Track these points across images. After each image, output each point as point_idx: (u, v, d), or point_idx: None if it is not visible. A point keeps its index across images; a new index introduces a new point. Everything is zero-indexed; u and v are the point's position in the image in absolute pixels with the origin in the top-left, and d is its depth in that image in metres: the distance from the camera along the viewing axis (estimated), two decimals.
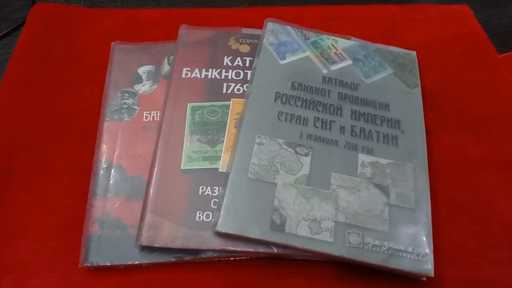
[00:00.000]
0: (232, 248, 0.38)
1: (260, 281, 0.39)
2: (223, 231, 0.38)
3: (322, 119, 0.45)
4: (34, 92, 0.49)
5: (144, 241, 0.38)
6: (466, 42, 0.56)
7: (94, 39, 0.54)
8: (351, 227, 0.39)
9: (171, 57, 0.50)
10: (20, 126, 0.47)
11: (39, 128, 0.47)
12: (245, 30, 0.52)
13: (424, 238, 0.39)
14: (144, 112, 0.46)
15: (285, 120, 0.44)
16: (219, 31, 0.52)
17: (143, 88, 0.48)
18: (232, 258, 0.39)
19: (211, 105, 0.46)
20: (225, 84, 0.47)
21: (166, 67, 0.50)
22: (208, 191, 0.41)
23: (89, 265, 0.38)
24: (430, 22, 0.58)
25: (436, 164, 0.45)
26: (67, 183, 0.43)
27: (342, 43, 0.51)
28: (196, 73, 0.48)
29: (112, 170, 0.43)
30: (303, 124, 0.44)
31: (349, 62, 0.50)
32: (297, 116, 0.45)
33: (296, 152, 0.42)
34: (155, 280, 0.39)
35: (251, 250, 0.38)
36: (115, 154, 0.44)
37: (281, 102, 0.46)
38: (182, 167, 0.42)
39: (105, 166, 0.43)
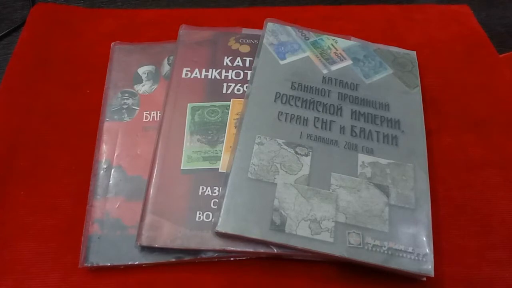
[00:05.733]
0: (232, 248, 0.38)
1: (260, 281, 0.39)
2: (223, 231, 0.38)
3: (322, 119, 0.45)
4: (34, 92, 0.49)
5: (144, 241, 0.38)
6: (466, 42, 0.56)
7: (94, 39, 0.54)
8: (351, 227, 0.39)
9: (171, 57, 0.50)
10: (20, 126, 0.47)
11: (39, 128, 0.47)
12: (245, 30, 0.52)
13: (424, 238, 0.39)
14: (144, 112, 0.46)
15: (285, 120, 0.44)
16: (219, 31, 0.52)
17: (143, 88, 0.48)
18: (232, 258, 0.39)
19: (211, 105, 0.46)
20: (225, 84, 0.47)
21: (166, 67, 0.50)
22: (208, 191, 0.41)
23: (89, 265, 0.38)
24: (430, 22, 0.58)
25: (436, 164, 0.45)
26: (67, 183, 0.43)
27: (342, 43, 0.51)
28: (196, 73, 0.48)
29: (112, 170, 0.43)
30: (303, 124, 0.44)
31: (349, 62, 0.50)
32: (297, 116, 0.45)
33: (296, 152, 0.42)
34: (155, 280, 0.39)
35: (251, 250, 0.38)
36: (115, 154, 0.44)
37: (281, 102, 0.46)
38: (182, 167, 0.42)
39: (105, 166, 0.43)
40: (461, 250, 0.41)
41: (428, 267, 0.38)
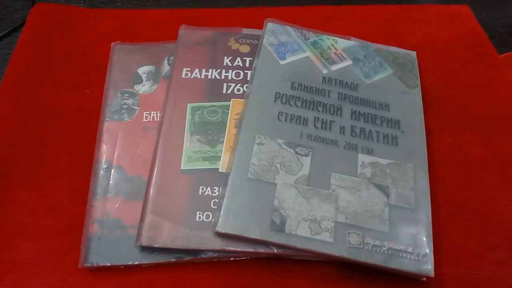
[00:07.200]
0: (232, 249, 0.38)
1: (260, 281, 0.39)
2: (223, 231, 0.38)
3: (322, 119, 0.45)
4: (34, 92, 0.49)
5: (144, 241, 0.38)
6: (466, 42, 0.56)
7: (94, 39, 0.54)
8: (351, 227, 0.39)
9: (171, 57, 0.50)
10: (20, 126, 0.47)
11: (39, 128, 0.47)
12: (245, 30, 0.52)
13: (424, 238, 0.39)
14: (144, 112, 0.46)
15: (285, 120, 0.44)
16: (219, 31, 0.52)
17: (143, 88, 0.48)
18: (232, 259, 0.39)
19: (211, 105, 0.46)
20: (225, 84, 0.47)
21: (166, 67, 0.50)
22: (208, 191, 0.41)
23: (89, 265, 0.38)
24: (430, 22, 0.58)
25: (436, 164, 0.45)
26: (67, 183, 0.43)
27: (342, 43, 0.51)
28: (196, 73, 0.48)
29: (112, 170, 0.43)
30: (303, 124, 0.44)
31: (349, 62, 0.50)
32: (297, 116, 0.45)
33: (296, 152, 0.42)
34: (155, 281, 0.39)
35: (251, 250, 0.38)
36: (115, 154, 0.44)
37: (281, 102, 0.46)
38: (182, 167, 0.42)
39: (105, 166, 0.43)
40: (461, 250, 0.41)
41: (428, 267, 0.38)
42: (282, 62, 0.49)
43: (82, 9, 0.58)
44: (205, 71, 0.48)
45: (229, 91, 0.47)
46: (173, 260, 0.39)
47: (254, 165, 0.41)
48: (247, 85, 0.47)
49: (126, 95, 0.48)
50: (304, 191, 0.40)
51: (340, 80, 0.48)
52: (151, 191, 0.41)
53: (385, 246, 0.38)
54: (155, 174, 0.42)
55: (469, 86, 0.52)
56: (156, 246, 0.38)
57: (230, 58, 0.49)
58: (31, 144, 0.46)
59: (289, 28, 0.52)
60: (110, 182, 0.42)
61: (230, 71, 0.48)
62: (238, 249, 0.38)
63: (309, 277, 0.39)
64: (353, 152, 0.43)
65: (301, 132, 0.44)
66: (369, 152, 0.43)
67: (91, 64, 0.52)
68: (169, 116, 0.45)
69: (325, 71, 0.49)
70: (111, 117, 0.46)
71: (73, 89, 0.50)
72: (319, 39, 0.51)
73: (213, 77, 0.48)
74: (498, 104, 0.50)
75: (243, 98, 0.46)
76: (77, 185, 0.43)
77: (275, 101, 0.45)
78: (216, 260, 0.39)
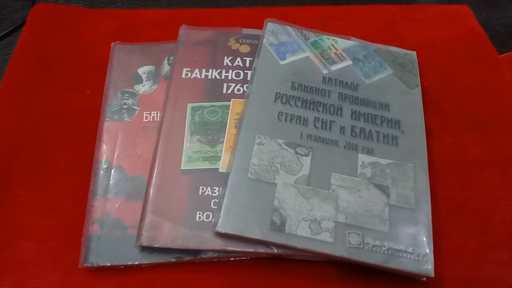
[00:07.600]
0: (232, 249, 0.38)
1: (260, 281, 0.39)
2: (223, 232, 0.38)
3: (322, 119, 0.45)
4: (34, 92, 0.49)
5: (144, 241, 0.38)
6: (466, 42, 0.56)
7: (94, 40, 0.54)
8: (351, 227, 0.39)
9: (171, 57, 0.50)
10: (20, 126, 0.47)
11: (39, 128, 0.47)
12: (245, 31, 0.52)
13: (424, 238, 0.39)
14: (144, 112, 0.46)
15: (285, 120, 0.44)
16: (219, 32, 0.52)
17: (143, 88, 0.48)
18: (232, 259, 0.39)
19: (211, 105, 0.46)
20: (225, 84, 0.47)
21: (166, 67, 0.50)
22: (208, 191, 0.41)
23: (89, 265, 0.38)
24: (430, 22, 0.58)
25: (436, 164, 0.45)
26: (67, 183, 0.43)
27: (342, 43, 0.51)
28: (196, 73, 0.48)
29: (112, 171, 0.43)
30: (303, 124, 0.44)
31: (349, 62, 0.50)
32: (297, 116, 0.45)
33: (296, 153, 0.42)
34: (155, 281, 0.39)
35: (251, 250, 0.38)
36: (115, 154, 0.44)
37: (281, 102, 0.46)
38: (182, 167, 0.42)
39: (105, 166, 0.43)
40: (461, 250, 0.41)
41: (428, 267, 0.38)
42: (282, 62, 0.49)
43: (82, 9, 0.58)
44: (205, 71, 0.48)
45: (229, 91, 0.47)
46: (173, 260, 0.39)
47: (254, 165, 0.41)
48: (247, 85, 0.47)
49: (126, 95, 0.48)
50: (304, 191, 0.40)
51: (340, 80, 0.48)
52: (151, 191, 0.41)
53: (385, 246, 0.38)
54: (155, 174, 0.42)
55: (469, 86, 0.52)
56: (156, 246, 0.38)
57: (230, 58, 0.49)
58: (31, 144, 0.46)
59: (289, 28, 0.52)
60: (110, 182, 0.42)
61: (230, 71, 0.48)
62: (238, 249, 0.38)
63: (309, 277, 0.39)
64: (353, 152, 0.43)
65: (301, 132, 0.44)
66: (369, 152, 0.43)
67: (91, 64, 0.52)
68: (169, 116, 0.45)
69: (325, 71, 0.49)
70: (111, 117, 0.46)
71: (73, 89, 0.50)
72: (319, 39, 0.51)
73: (213, 77, 0.48)
74: (498, 104, 0.50)
75: (243, 98, 0.46)
76: (77, 185, 0.43)
77: (275, 101, 0.46)
78: (216, 260, 0.39)
